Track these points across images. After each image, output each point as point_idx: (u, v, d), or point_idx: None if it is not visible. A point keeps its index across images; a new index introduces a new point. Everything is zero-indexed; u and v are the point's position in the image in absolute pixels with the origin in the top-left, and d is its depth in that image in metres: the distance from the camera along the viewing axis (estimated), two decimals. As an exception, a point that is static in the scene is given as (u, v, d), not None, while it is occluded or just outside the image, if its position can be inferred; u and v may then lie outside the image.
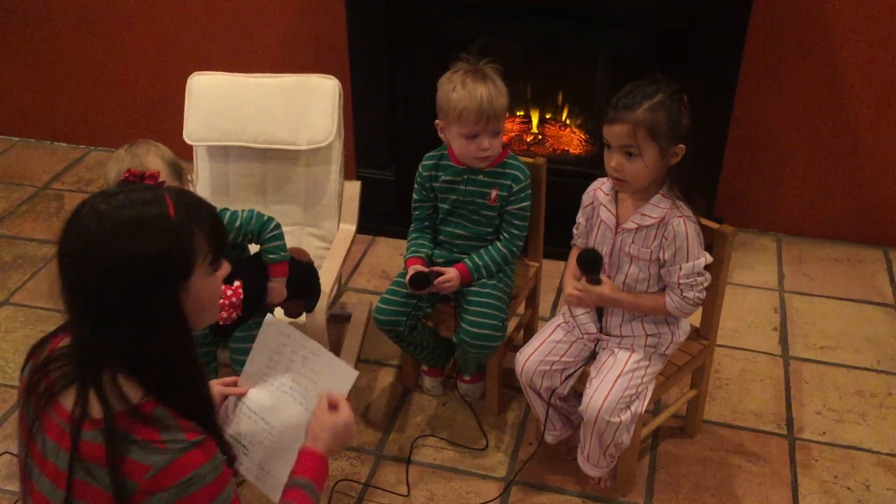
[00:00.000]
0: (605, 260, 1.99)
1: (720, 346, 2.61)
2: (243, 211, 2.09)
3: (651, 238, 1.91)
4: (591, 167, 2.77)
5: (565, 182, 2.75)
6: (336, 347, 2.59)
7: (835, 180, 3.05)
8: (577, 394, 2.11)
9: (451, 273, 2.18)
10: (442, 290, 2.18)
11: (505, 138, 3.06)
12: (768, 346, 2.66)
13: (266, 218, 2.10)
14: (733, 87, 2.75)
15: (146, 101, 3.57)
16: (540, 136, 3.09)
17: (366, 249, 3.12)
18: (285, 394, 1.56)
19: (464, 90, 2.06)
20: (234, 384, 1.63)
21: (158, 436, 1.17)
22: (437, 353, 2.41)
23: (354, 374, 1.55)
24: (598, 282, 1.94)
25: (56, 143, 3.81)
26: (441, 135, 2.17)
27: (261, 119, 2.46)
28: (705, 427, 2.35)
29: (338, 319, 2.72)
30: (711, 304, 2.11)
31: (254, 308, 2.06)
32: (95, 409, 1.17)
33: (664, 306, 1.95)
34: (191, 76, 2.52)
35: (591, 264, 1.93)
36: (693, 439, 2.32)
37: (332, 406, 1.51)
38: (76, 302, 1.19)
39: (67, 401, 1.20)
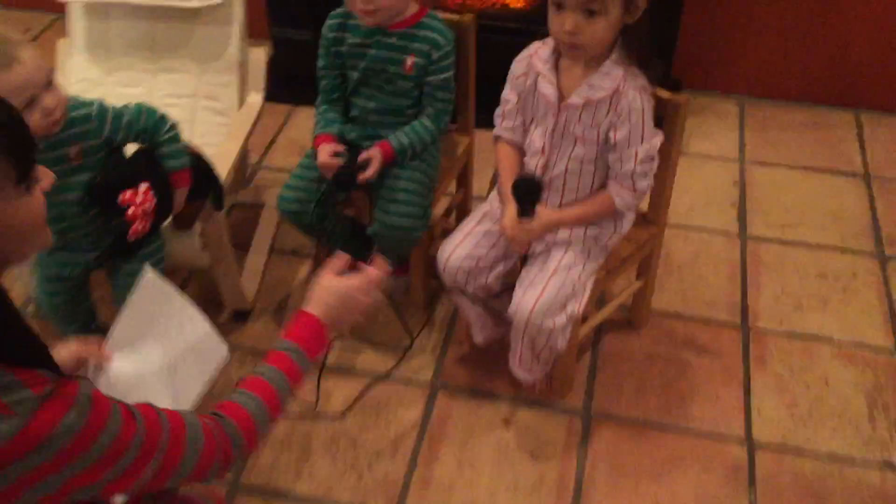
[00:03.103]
0: (544, 142, 1.69)
1: (672, 225, 2.36)
2: (126, 105, 1.70)
3: (602, 114, 1.61)
4: (535, 23, 2.42)
5: (503, 41, 2.40)
6: (246, 240, 2.30)
7: (804, 36, 2.72)
8: (510, 289, 1.86)
9: (373, 153, 1.87)
10: (368, 178, 1.88)
11: (434, -9, 2.71)
12: (725, 224, 2.42)
13: (159, 115, 1.71)
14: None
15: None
16: (476, -13, 2.71)
17: (283, 122, 2.78)
18: (152, 373, 1.29)
19: None
20: (98, 345, 1.35)
21: None
22: (355, 244, 2.13)
23: (223, 354, 1.30)
24: (531, 214, 1.64)
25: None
26: (341, -9, 1.82)
27: (143, -32, 2.07)
28: (653, 319, 2.14)
29: (248, 208, 2.42)
30: (661, 185, 1.83)
31: (163, 216, 1.75)
32: None
33: (612, 207, 1.67)
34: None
35: (528, 196, 1.63)
36: (639, 333, 2.11)
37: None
38: None
39: None
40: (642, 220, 1.91)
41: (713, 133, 2.75)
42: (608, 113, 1.60)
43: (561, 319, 1.72)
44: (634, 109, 1.58)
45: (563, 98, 1.64)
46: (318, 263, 2.24)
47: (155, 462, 1.04)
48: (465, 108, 2.10)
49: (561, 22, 1.53)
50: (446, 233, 1.91)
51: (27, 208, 1.00)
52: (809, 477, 1.80)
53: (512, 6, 2.70)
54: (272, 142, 2.70)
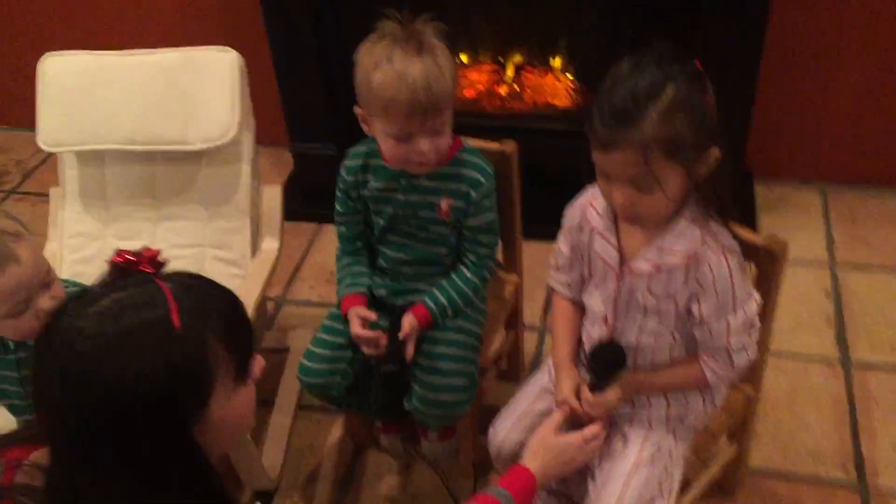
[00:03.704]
0: (606, 310, 1.38)
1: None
2: None
3: (678, 283, 1.29)
4: (581, 124, 2.15)
5: (550, 144, 2.15)
6: (268, 394, 2.02)
7: (889, 112, 2.38)
8: (578, 473, 1.54)
9: (409, 324, 1.58)
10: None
11: (472, 93, 2.44)
12: (822, 348, 2.07)
13: None
14: (765, 15, 2.07)
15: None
16: (516, 88, 2.42)
17: (308, 245, 2.51)
18: None
19: (390, 70, 1.41)
20: None
21: None
22: (391, 405, 1.83)
23: None
24: (606, 387, 1.36)
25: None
26: (363, 126, 1.54)
27: (137, 112, 1.85)
28: (749, 480, 1.79)
29: (271, 353, 2.14)
30: (760, 340, 1.50)
31: None
32: None
33: (703, 380, 1.36)
34: (42, 59, 1.88)
35: (608, 367, 1.36)
36: (733, 499, 1.77)
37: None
38: (58, 440, 0.91)
39: None
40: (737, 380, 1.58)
41: (794, 231, 2.41)
42: (686, 281, 1.29)
43: (646, 524, 1.39)
44: (720, 277, 1.27)
45: (626, 261, 1.33)
46: (351, 425, 1.94)
47: None
48: (512, 244, 1.81)
49: (610, 193, 1.23)
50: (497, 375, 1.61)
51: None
52: None
53: (558, 105, 2.40)
54: (296, 269, 2.43)
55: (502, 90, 2.42)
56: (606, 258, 1.35)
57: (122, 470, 0.89)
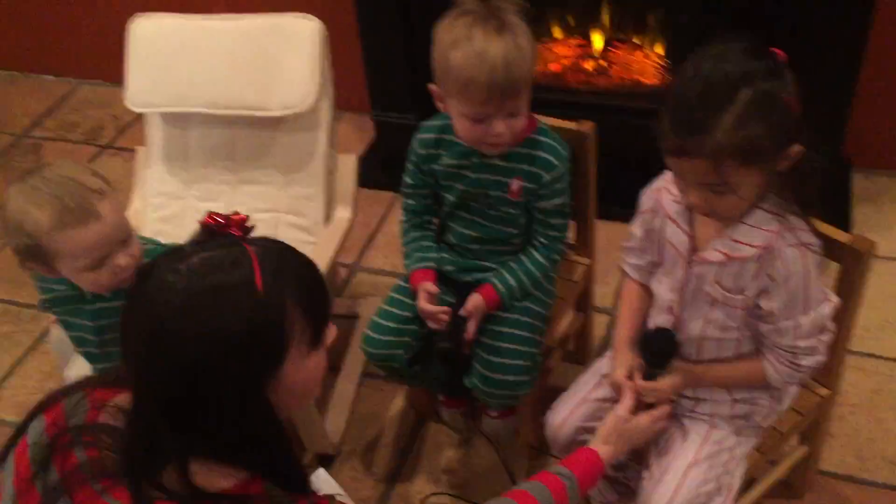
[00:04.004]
0: (673, 297, 1.34)
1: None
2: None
3: (748, 276, 1.24)
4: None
5: (635, 123, 2.08)
6: (338, 358, 2.05)
7: None
8: (636, 458, 1.51)
9: (474, 304, 1.58)
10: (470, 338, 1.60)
11: (557, 66, 2.39)
12: (911, 351, 1.97)
13: None
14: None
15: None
16: (603, 63, 2.36)
17: (384, 213, 2.52)
18: None
19: (469, 48, 1.38)
20: None
21: None
22: (455, 381, 1.83)
23: None
24: (659, 374, 1.32)
25: (41, 75, 3.30)
26: (438, 104, 1.52)
27: (221, 76, 1.88)
28: (820, 481, 1.73)
29: (341, 319, 2.16)
30: (836, 344, 1.44)
31: None
32: (176, 492, 0.95)
33: (762, 377, 1.30)
34: (130, 21, 1.93)
35: (659, 355, 1.32)
36: (802, 500, 1.71)
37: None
38: (145, 392, 0.96)
39: (128, 483, 0.96)
40: (811, 381, 1.51)
41: (891, 225, 2.28)
42: (757, 275, 1.23)
43: (701, 522, 1.35)
44: (794, 273, 1.21)
45: (697, 249, 1.28)
46: (412, 397, 1.95)
47: None
48: (585, 226, 1.77)
49: (685, 193, 1.19)
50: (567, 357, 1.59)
51: (314, 363, 1.01)
52: None
53: (646, 83, 2.33)
54: (371, 238, 2.44)
55: (588, 65, 2.36)
56: (677, 245, 1.31)
57: (199, 420, 0.94)
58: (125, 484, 0.96)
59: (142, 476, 0.96)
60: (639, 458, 1.47)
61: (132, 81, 1.91)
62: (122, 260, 1.36)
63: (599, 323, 2.07)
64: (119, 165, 2.80)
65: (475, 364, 1.62)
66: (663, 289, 1.38)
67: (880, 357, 1.97)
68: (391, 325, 1.66)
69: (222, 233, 1.02)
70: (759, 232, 1.22)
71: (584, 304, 1.90)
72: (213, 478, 0.96)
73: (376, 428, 1.94)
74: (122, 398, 1.03)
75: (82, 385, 1.07)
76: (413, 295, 1.63)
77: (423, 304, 1.60)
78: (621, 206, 1.67)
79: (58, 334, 1.70)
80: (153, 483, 0.95)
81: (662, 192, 1.35)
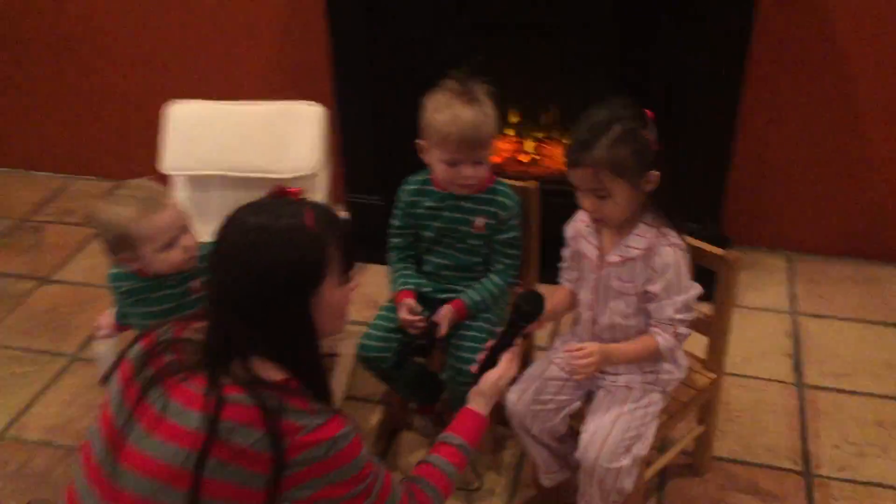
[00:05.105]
0: (591, 297, 1.84)
1: (730, 374, 2.45)
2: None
3: (638, 270, 1.76)
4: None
5: (564, 204, 2.62)
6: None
7: (847, 195, 2.90)
8: (574, 433, 1.96)
9: (444, 313, 2.03)
10: (441, 336, 2.04)
11: (499, 159, 2.97)
12: (781, 373, 2.50)
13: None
14: (736, 102, 2.61)
15: (124, 129, 3.46)
16: (536, 157, 2.95)
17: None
18: None
19: (448, 113, 1.92)
20: None
21: (308, 405, 1.30)
22: (427, 390, 2.26)
23: None
24: (523, 328, 1.74)
25: (34, 172, 3.70)
26: (422, 156, 2.04)
27: (242, 147, 2.35)
28: (715, 464, 2.20)
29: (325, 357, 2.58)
30: (719, 336, 1.96)
31: None
32: (242, 378, 1.29)
33: (656, 347, 1.79)
34: (168, 104, 2.41)
35: (529, 314, 1.73)
36: (702, 478, 2.17)
37: None
38: (222, 299, 1.33)
39: (205, 373, 1.30)
40: (700, 367, 2.02)
41: (764, 286, 2.88)
42: (644, 269, 1.75)
43: (627, 461, 1.80)
44: (668, 265, 1.73)
45: (604, 257, 1.80)
46: (389, 409, 2.36)
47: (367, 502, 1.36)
48: (530, 264, 2.27)
49: (581, 201, 1.73)
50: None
51: (340, 295, 1.39)
52: None
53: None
54: (346, 297, 2.89)
55: (524, 159, 2.94)
56: (589, 255, 1.82)
57: (260, 319, 1.30)
58: (202, 374, 1.30)
59: (216, 365, 1.30)
60: (577, 422, 1.92)
61: (167, 151, 2.37)
62: (187, 241, 1.80)
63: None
64: (115, 242, 3.18)
65: (448, 360, 2.07)
66: (584, 292, 1.88)
67: (756, 378, 2.49)
68: (380, 333, 2.10)
69: (286, 195, 1.43)
70: (642, 239, 1.75)
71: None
72: (267, 371, 1.32)
73: (358, 436, 2.33)
74: (198, 326, 1.37)
75: (168, 322, 1.42)
76: (397, 310, 2.09)
77: (404, 314, 2.05)
78: (555, 273, 2.19)
79: (102, 348, 2.08)
80: (225, 371, 1.29)
81: (577, 221, 1.88)
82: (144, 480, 1.26)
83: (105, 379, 1.40)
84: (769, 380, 2.48)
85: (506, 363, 1.70)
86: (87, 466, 1.34)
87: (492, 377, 1.69)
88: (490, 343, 1.77)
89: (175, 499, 1.24)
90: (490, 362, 1.72)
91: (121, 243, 1.77)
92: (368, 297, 2.88)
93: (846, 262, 2.98)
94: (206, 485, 1.24)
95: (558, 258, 1.98)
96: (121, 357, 1.40)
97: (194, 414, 1.26)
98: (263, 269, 1.29)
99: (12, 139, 3.64)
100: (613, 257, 1.77)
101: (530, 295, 1.76)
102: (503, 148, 2.95)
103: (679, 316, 1.76)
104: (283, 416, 1.26)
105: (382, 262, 2.97)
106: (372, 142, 2.87)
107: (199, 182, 2.40)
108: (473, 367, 1.75)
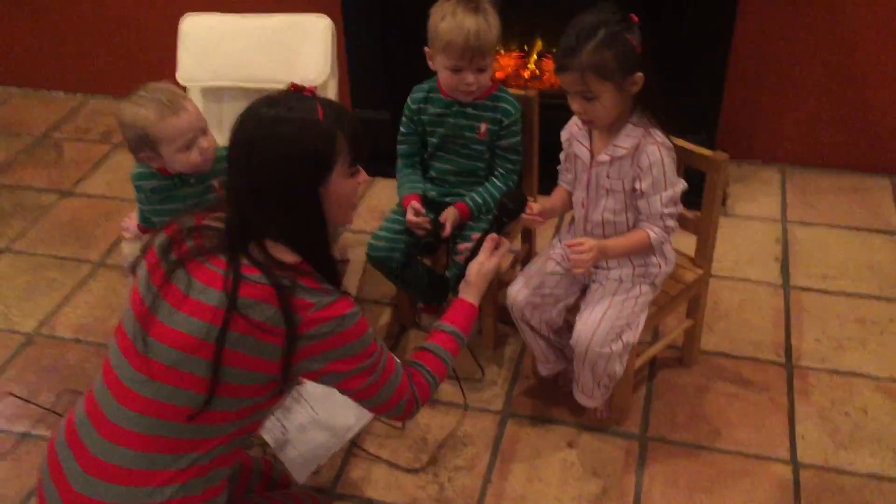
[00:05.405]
0: (583, 195, 1.96)
1: (720, 277, 2.59)
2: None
3: (626, 168, 1.87)
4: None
5: (564, 117, 2.71)
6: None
7: (840, 108, 2.99)
8: (570, 326, 2.10)
9: (449, 214, 2.16)
10: (445, 236, 2.17)
11: (501, 74, 3.06)
12: (769, 276, 2.64)
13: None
14: (732, 16, 2.69)
15: (138, 46, 3.54)
16: (537, 72, 3.04)
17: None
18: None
19: (452, 21, 2.02)
20: None
21: (318, 285, 1.42)
22: (433, 289, 2.40)
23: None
24: (507, 224, 1.89)
25: (52, 91, 3.79)
26: (429, 62, 2.14)
27: (254, 60, 2.45)
28: (703, 357, 2.35)
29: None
30: (706, 232, 2.08)
31: None
32: (258, 259, 1.40)
33: (648, 240, 1.91)
34: (182, 18, 2.50)
35: (510, 203, 1.87)
36: (690, 369, 2.32)
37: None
38: (239, 185, 1.42)
39: (224, 254, 1.41)
40: (690, 263, 2.15)
41: (756, 197, 2.99)
42: (632, 166, 1.86)
43: (617, 346, 1.95)
44: (654, 163, 1.84)
45: (594, 157, 1.92)
46: (397, 309, 2.51)
47: (370, 379, 1.49)
48: (530, 171, 2.39)
49: (571, 103, 1.83)
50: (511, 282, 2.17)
51: (349, 186, 1.49)
52: (850, 492, 1.97)
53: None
54: (355, 208, 3.02)
55: (525, 73, 3.03)
56: (581, 156, 1.94)
57: (274, 202, 1.39)
58: (221, 255, 1.40)
59: (234, 248, 1.40)
60: (573, 315, 2.06)
61: (182, 63, 2.47)
62: (205, 142, 1.91)
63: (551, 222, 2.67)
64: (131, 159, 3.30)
65: (453, 258, 2.20)
66: (578, 192, 2.00)
67: (745, 280, 2.62)
68: (388, 234, 2.24)
69: (299, 92, 1.51)
70: (630, 139, 1.85)
71: (528, 235, 2.50)
72: (281, 253, 1.42)
73: (369, 334, 2.49)
74: (217, 215, 1.48)
75: (189, 213, 1.54)
76: (404, 213, 2.21)
77: (410, 216, 2.18)
78: (552, 182, 2.28)
79: (128, 249, 2.22)
80: (243, 253, 1.40)
81: (571, 125, 1.99)
82: (172, 351, 1.39)
83: (133, 267, 1.53)
84: (758, 282, 2.62)
85: (484, 253, 1.81)
86: (121, 342, 1.48)
87: (474, 267, 1.80)
88: (476, 236, 1.89)
89: (199, 367, 1.38)
90: (473, 254, 1.84)
91: (141, 143, 1.88)
92: (377, 209, 3.01)
93: (837, 174, 3.08)
94: (227, 355, 1.37)
95: (554, 170, 2.10)
96: (147, 245, 1.52)
97: (215, 292, 1.38)
98: (277, 157, 1.38)
99: (29, 60, 3.72)
100: (603, 157, 1.88)
101: (515, 193, 1.90)
102: (505, 63, 3.03)
103: (667, 210, 1.88)
104: (295, 293, 1.38)
105: (390, 175, 3.11)
106: (378, 54, 2.95)
107: (213, 93, 2.50)
108: (460, 257, 1.88)
